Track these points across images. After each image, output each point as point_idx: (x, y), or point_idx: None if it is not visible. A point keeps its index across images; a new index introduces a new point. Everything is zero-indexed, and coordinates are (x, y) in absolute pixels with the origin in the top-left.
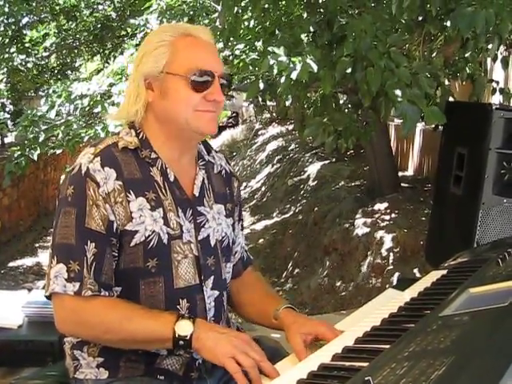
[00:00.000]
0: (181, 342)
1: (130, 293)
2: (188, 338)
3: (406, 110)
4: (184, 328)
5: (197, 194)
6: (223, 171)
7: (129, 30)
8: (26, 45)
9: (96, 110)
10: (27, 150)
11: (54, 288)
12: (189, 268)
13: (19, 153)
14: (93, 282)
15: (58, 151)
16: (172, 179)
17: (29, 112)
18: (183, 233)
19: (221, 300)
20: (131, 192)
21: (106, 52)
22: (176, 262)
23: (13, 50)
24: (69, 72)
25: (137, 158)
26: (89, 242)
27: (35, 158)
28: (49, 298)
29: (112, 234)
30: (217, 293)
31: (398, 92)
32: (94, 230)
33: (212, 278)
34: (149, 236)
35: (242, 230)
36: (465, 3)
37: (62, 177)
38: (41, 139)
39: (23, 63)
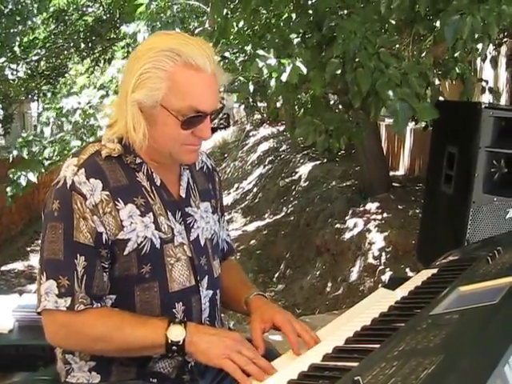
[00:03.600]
0: (174, 348)
1: (125, 300)
2: (181, 343)
3: (397, 107)
4: (176, 333)
5: (183, 196)
6: (205, 167)
7: (118, 31)
8: (16, 49)
9: (91, 123)
10: (27, 170)
11: (46, 305)
12: (183, 270)
13: (18, 174)
14: (84, 296)
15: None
16: (159, 183)
17: (24, 135)
18: (175, 236)
19: (214, 299)
20: (120, 200)
21: (96, 55)
22: (170, 265)
23: (3, 59)
24: (58, 75)
25: (121, 165)
26: (78, 255)
27: (34, 179)
28: (40, 313)
29: (101, 245)
30: (211, 292)
31: (389, 92)
32: (83, 243)
33: (206, 277)
34: (141, 242)
35: (223, 222)
36: (452, 9)
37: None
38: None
39: (14, 73)
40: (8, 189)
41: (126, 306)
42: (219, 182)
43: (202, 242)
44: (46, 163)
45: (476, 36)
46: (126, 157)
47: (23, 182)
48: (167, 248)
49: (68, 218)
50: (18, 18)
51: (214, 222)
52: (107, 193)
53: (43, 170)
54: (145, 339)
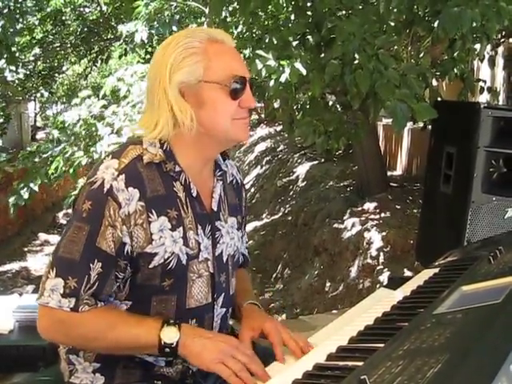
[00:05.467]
0: (167, 349)
1: (140, 308)
2: (174, 345)
3: (396, 107)
4: (170, 335)
5: (215, 209)
6: (234, 181)
7: (115, 31)
8: (13, 49)
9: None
10: (30, 181)
11: (49, 302)
12: (202, 287)
13: (21, 185)
14: (90, 298)
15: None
16: (195, 194)
17: (28, 149)
18: (200, 251)
19: (226, 316)
20: (153, 211)
21: (93, 55)
22: (191, 281)
23: (2, 61)
24: (55, 74)
25: (160, 172)
26: (96, 260)
27: (36, 189)
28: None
29: (122, 256)
30: (224, 310)
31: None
32: (104, 250)
33: (223, 295)
34: (168, 258)
35: (244, 236)
36: (451, 4)
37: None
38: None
39: (14, 75)
40: (11, 199)
41: (140, 313)
42: (245, 198)
43: (225, 259)
44: (52, 176)
45: (475, 31)
46: (166, 163)
47: (26, 194)
48: (192, 264)
49: (96, 222)
50: (17, 16)
51: (238, 238)
52: (142, 203)
53: (46, 180)
54: (138, 339)
